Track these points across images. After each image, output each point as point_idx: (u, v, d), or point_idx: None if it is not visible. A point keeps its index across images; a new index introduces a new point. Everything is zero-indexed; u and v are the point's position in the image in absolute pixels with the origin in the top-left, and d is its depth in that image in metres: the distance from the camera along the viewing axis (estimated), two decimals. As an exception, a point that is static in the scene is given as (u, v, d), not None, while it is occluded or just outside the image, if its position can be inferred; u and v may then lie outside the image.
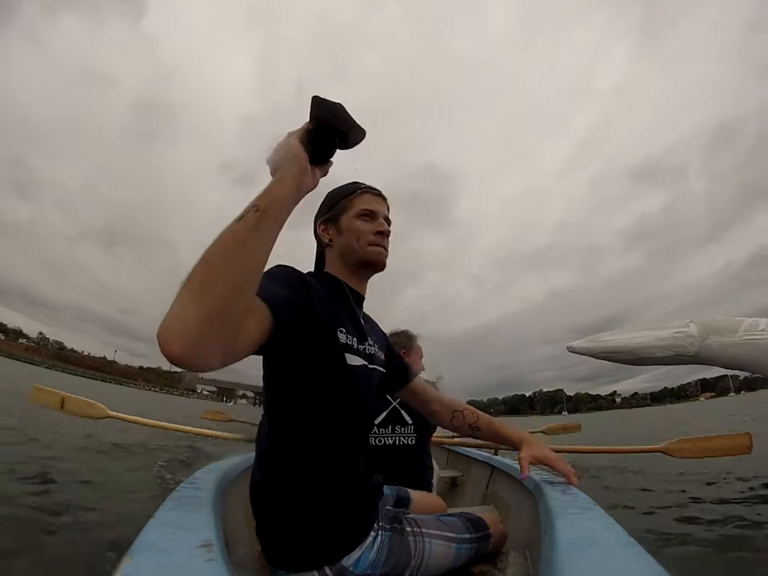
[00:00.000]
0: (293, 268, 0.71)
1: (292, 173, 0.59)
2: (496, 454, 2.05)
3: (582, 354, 3.35)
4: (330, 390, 0.71)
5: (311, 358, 0.68)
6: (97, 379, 59.14)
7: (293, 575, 0.67)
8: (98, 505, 1.91)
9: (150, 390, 73.35)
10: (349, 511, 0.70)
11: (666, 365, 3.03)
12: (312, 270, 0.91)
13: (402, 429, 1.48)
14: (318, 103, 0.62)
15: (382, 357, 0.90)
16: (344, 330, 0.74)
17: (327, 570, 0.66)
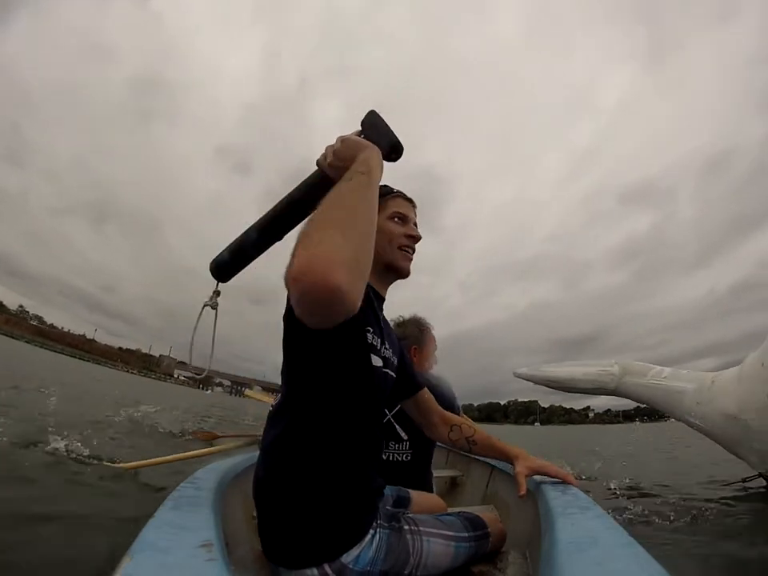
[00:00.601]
0: None
1: (376, 152, 0.64)
2: None
3: (525, 380, 3.94)
4: (351, 389, 0.73)
5: (340, 354, 0.71)
6: (76, 357, 58.25)
7: (293, 572, 0.67)
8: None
9: (128, 371, 71.97)
10: (351, 510, 0.71)
11: (592, 395, 3.99)
12: None
13: (397, 445, 1.36)
14: (375, 116, 0.71)
15: (395, 362, 0.92)
16: (371, 330, 0.77)
17: (327, 567, 0.66)
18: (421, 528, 0.81)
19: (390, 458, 1.36)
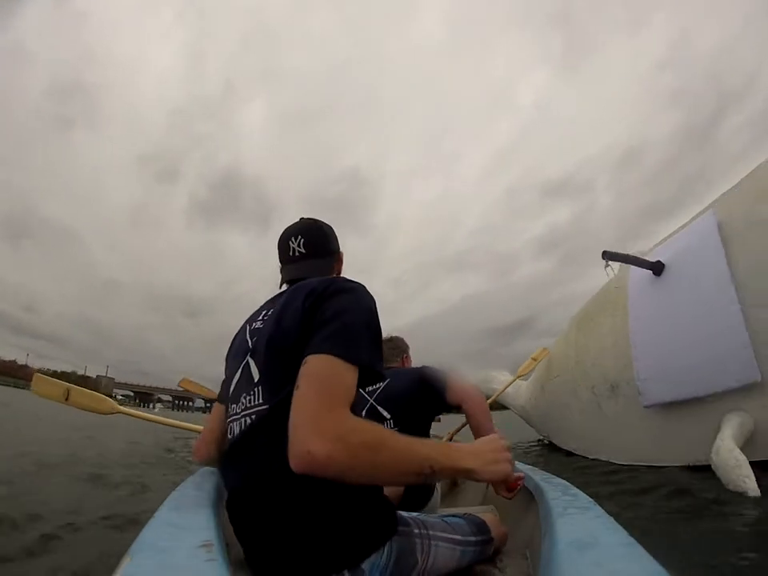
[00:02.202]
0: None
1: (492, 472, 0.69)
2: None
3: None
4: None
5: None
6: (10, 385, 56.46)
7: None
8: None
9: None
10: (374, 514, 0.70)
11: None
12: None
13: (382, 425, 1.44)
14: None
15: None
16: None
17: (346, 573, 0.65)
18: (430, 532, 0.80)
19: None
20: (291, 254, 0.95)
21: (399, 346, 1.81)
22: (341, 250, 1.03)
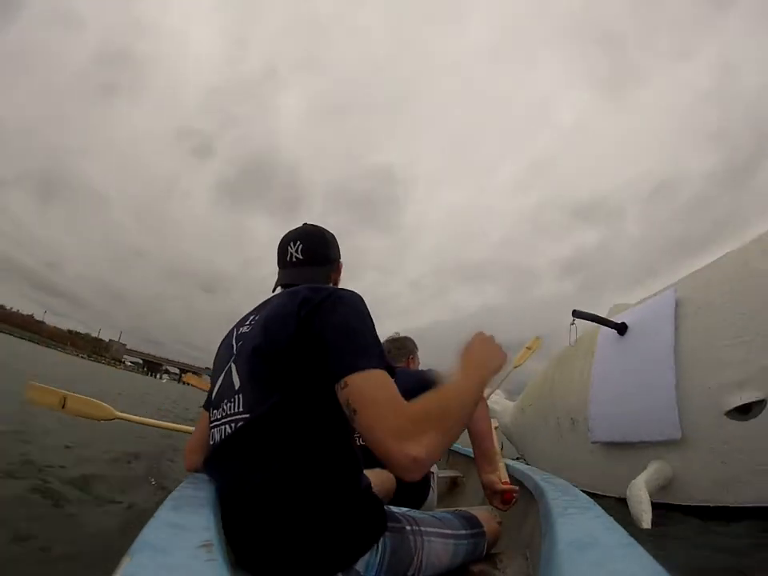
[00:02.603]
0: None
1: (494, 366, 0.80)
2: None
3: None
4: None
5: None
6: (26, 339, 56.88)
7: None
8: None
9: (78, 355, 68.66)
10: (365, 515, 0.70)
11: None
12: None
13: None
14: None
15: None
16: None
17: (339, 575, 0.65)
18: (422, 527, 0.81)
19: None
20: (289, 258, 0.94)
21: (407, 346, 1.80)
22: (341, 260, 1.02)
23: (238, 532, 0.66)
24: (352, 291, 0.79)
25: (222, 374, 0.79)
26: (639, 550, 0.45)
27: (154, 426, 2.47)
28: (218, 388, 0.79)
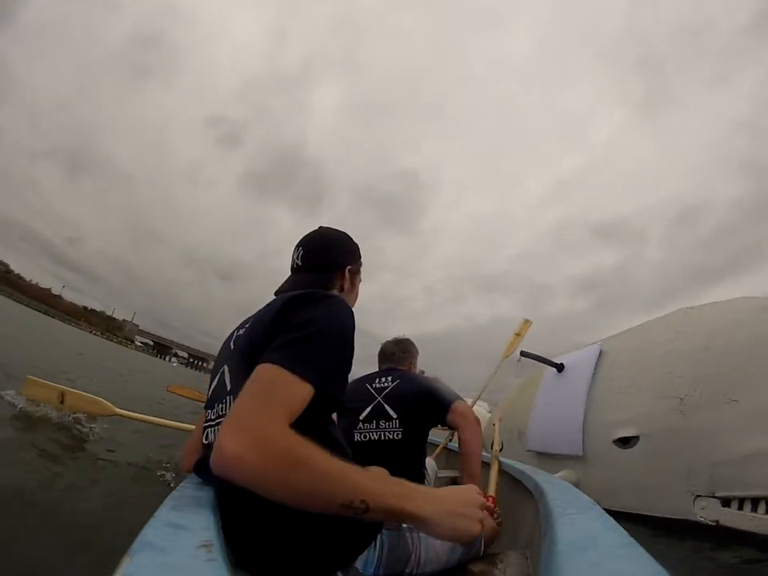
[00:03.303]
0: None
1: (453, 529, 0.57)
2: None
3: None
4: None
5: None
6: (41, 312, 57.22)
7: None
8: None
9: (92, 332, 69.80)
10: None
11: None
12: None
13: (387, 423, 1.46)
14: None
15: None
16: None
17: (340, 574, 0.65)
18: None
19: (382, 437, 1.45)
20: (292, 264, 0.94)
21: (410, 350, 1.79)
22: (353, 265, 0.95)
23: (237, 532, 0.66)
24: (337, 297, 0.74)
25: (218, 375, 0.80)
26: (639, 550, 0.45)
27: (153, 424, 2.47)
28: (213, 389, 0.80)
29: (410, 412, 1.47)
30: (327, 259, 0.92)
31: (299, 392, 0.58)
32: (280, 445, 0.51)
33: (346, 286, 0.93)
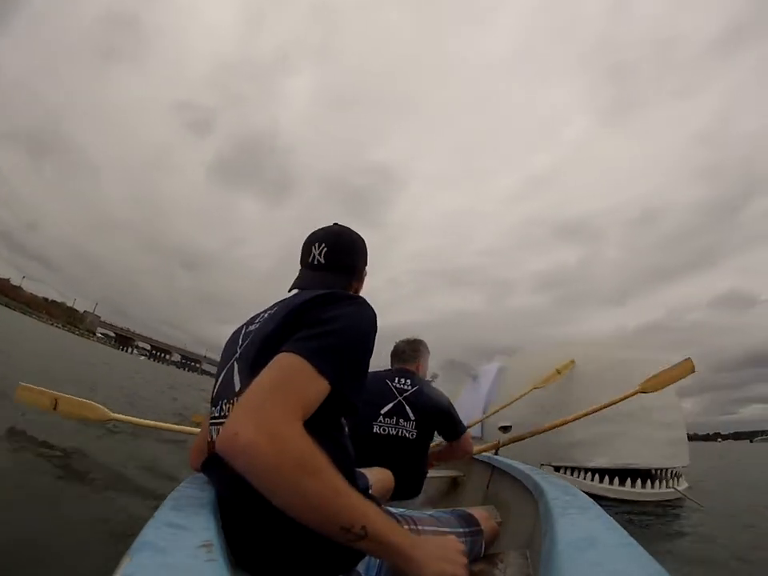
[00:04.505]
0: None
1: (438, 571, 0.56)
2: (496, 453, 2.06)
3: None
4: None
5: None
6: (2, 304, 56.42)
7: None
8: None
9: (53, 324, 68.13)
10: None
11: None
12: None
13: (405, 423, 1.58)
14: None
15: None
16: None
17: None
18: (419, 527, 0.81)
19: (399, 434, 1.57)
20: (311, 260, 0.88)
21: (419, 350, 1.85)
22: (366, 268, 0.95)
23: (238, 532, 0.66)
24: (364, 301, 0.73)
25: (224, 372, 0.78)
26: (639, 550, 0.45)
27: (153, 428, 2.45)
28: (219, 385, 0.78)
29: (426, 419, 1.60)
30: (351, 261, 0.90)
31: (316, 386, 0.57)
32: (296, 445, 0.50)
33: (361, 288, 0.94)
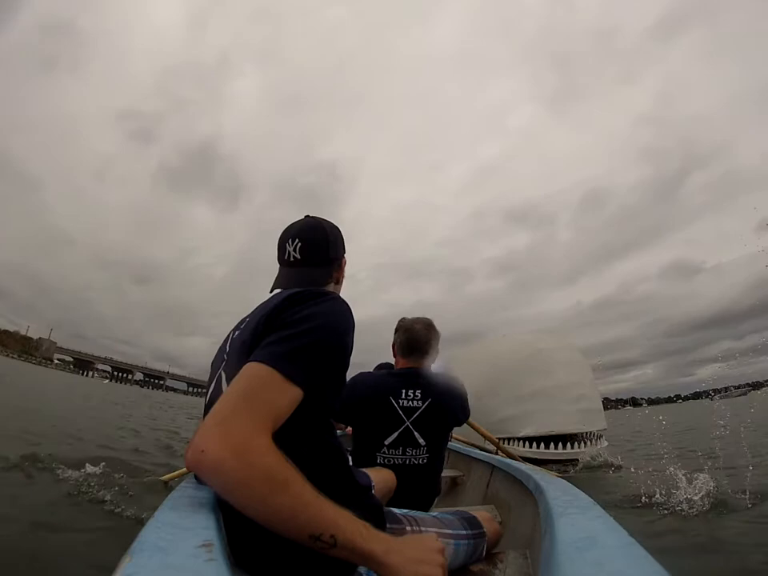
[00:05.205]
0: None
1: (415, 574, 0.55)
2: (496, 453, 2.06)
3: None
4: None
5: None
6: None
7: None
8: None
9: (8, 355, 67.32)
10: (367, 518, 0.69)
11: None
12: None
13: (414, 450, 1.39)
14: None
15: None
16: None
17: None
18: (422, 528, 0.81)
19: (408, 462, 1.39)
20: (287, 257, 0.87)
21: (437, 337, 1.57)
22: (344, 255, 0.93)
23: (238, 532, 0.66)
24: (336, 296, 0.72)
25: (214, 381, 0.77)
26: (639, 550, 0.45)
27: None
28: (210, 394, 0.78)
29: (439, 437, 1.43)
30: (328, 253, 0.88)
31: (286, 394, 0.56)
32: (263, 460, 0.50)
33: (343, 275, 0.92)
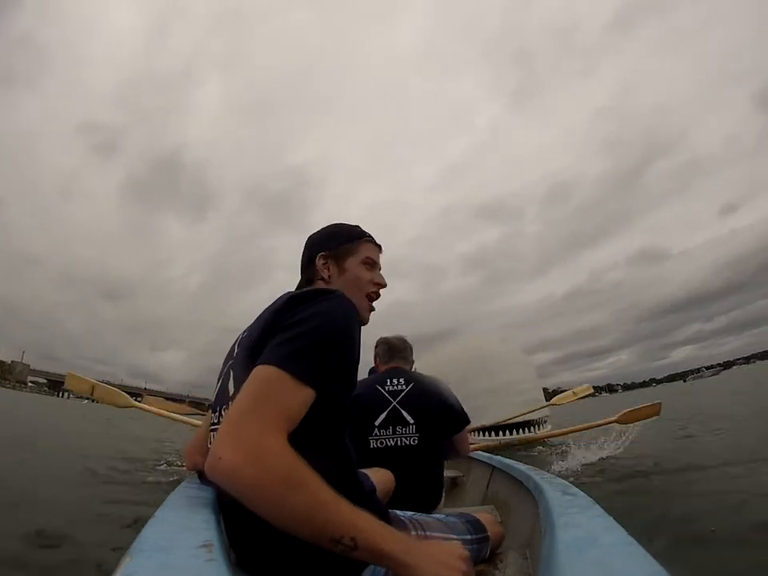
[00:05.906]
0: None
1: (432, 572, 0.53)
2: (497, 453, 2.07)
3: None
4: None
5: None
6: None
7: None
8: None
9: None
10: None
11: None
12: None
13: (403, 429, 1.43)
14: None
15: None
16: None
17: None
18: (428, 532, 0.80)
19: (399, 443, 1.42)
20: (301, 263, 0.93)
21: (411, 347, 1.71)
22: (327, 251, 0.88)
23: (238, 532, 0.65)
24: (335, 293, 0.71)
25: (221, 379, 0.79)
26: (639, 550, 0.45)
27: (167, 417, 2.67)
28: (217, 391, 0.79)
29: (427, 418, 1.46)
30: (307, 254, 0.90)
31: (295, 394, 0.56)
32: (277, 460, 0.50)
33: (327, 273, 0.86)
